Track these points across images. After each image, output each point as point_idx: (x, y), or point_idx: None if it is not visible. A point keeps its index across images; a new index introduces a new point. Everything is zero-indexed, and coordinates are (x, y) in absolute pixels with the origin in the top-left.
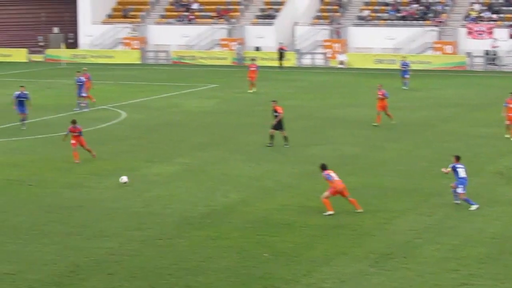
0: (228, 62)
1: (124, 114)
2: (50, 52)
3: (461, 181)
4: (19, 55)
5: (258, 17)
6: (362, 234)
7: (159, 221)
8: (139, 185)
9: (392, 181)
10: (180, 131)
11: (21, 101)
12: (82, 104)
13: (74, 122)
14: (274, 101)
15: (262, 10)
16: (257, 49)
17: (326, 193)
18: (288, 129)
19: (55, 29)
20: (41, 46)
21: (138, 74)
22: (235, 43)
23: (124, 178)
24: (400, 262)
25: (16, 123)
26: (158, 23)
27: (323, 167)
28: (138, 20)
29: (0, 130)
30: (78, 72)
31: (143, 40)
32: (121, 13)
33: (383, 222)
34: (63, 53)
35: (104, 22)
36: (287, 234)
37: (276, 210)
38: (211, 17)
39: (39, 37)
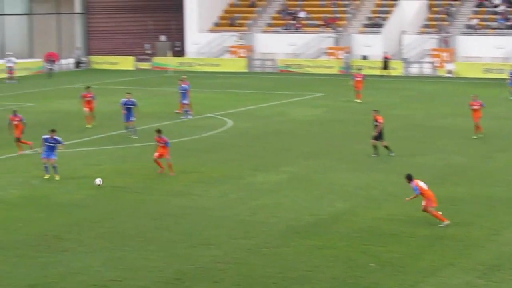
0: (335, 70)
1: (230, 122)
2: (157, 60)
3: None
4: (126, 63)
5: (365, 25)
6: (470, 245)
7: (265, 229)
8: (245, 194)
9: (501, 191)
10: (287, 140)
11: (128, 108)
12: (188, 112)
13: (159, 131)
14: (375, 110)
15: (369, 18)
16: (364, 57)
17: (430, 208)
18: (394, 138)
19: (162, 37)
20: (148, 54)
21: (244, 83)
22: (342, 51)
23: (97, 181)
24: (509, 274)
25: (123, 131)
26: (265, 32)
27: (409, 178)
28: (245, 28)
29: (107, 137)
30: (181, 80)
31: (249, 49)
32: (228, 21)
33: (492, 233)
34: (170, 61)
35: (211, 30)
36: (393, 244)
37: (383, 220)
38: (318, 26)
39: (146, 45)
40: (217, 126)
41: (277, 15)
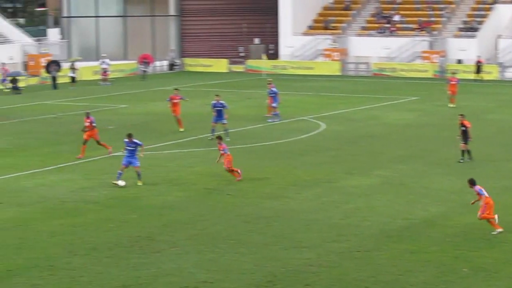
0: (429, 74)
1: (323, 126)
2: (251, 62)
3: None
4: (220, 65)
5: (461, 29)
6: None
7: (357, 233)
8: (338, 197)
9: None
10: (380, 144)
11: (218, 111)
12: (274, 114)
13: (219, 138)
14: (461, 115)
15: (465, 22)
16: (459, 62)
17: (485, 214)
18: (489, 143)
19: (256, 40)
20: (241, 57)
21: (338, 86)
22: (436, 55)
23: (120, 183)
24: None
25: (217, 133)
26: (359, 35)
27: (472, 182)
28: (339, 31)
29: (199, 139)
30: (268, 83)
31: (343, 52)
32: (322, 25)
33: None
34: (263, 64)
35: (305, 33)
36: (486, 249)
37: (476, 225)
38: (413, 29)
39: (240, 47)
40: (310, 129)
41: (372, 19)
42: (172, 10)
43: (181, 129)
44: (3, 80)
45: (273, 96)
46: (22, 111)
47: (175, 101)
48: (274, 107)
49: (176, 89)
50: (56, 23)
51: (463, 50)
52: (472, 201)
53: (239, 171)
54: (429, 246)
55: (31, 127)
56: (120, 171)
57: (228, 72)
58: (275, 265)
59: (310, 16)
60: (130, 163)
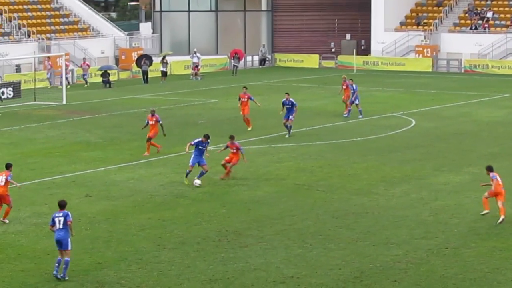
0: None
1: (413, 122)
2: (342, 58)
3: None
4: (311, 61)
5: None
6: None
7: (445, 230)
8: (427, 194)
9: None
10: (470, 141)
11: (288, 109)
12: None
13: (232, 138)
14: None
15: None
16: None
17: (487, 195)
18: None
19: (347, 36)
20: (332, 52)
21: (429, 82)
22: None
23: (197, 182)
24: None
25: (306, 129)
26: (451, 31)
27: (490, 169)
28: (431, 28)
29: (291, 135)
30: (350, 80)
31: (435, 48)
32: (414, 21)
33: None
34: (354, 60)
35: (396, 30)
36: None
37: None
38: (506, 26)
39: (331, 43)
40: (400, 126)
41: (464, 15)
42: (264, 5)
43: (249, 128)
44: (84, 75)
45: (353, 92)
46: (112, 105)
47: (244, 100)
48: (356, 104)
49: (244, 87)
50: (148, 18)
51: None
52: (483, 183)
53: (229, 171)
54: None
55: (122, 121)
56: (189, 171)
57: (318, 68)
58: (363, 261)
59: (402, 12)
60: (199, 162)
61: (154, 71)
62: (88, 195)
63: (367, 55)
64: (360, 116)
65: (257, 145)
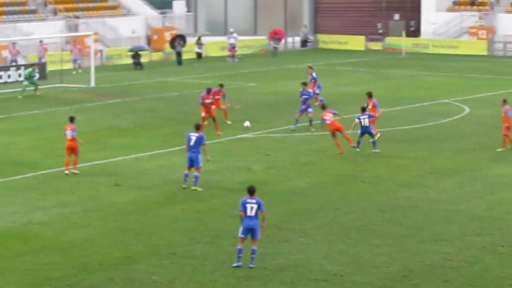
0: None
1: (467, 109)
2: (389, 40)
3: None
4: (356, 42)
5: None
6: None
7: (501, 226)
8: (481, 187)
9: None
10: None
11: (305, 99)
12: None
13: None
14: None
15: None
16: None
17: None
18: None
19: (396, 16)
20: (379, 34)
21: (484, 66)
22: None
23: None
24: None
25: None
26: (509, 12)
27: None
28: (487, 8)
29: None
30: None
31: (491, 30)
32: (468, 0)
33: None
34: (403, 42)
35: (449, 10)
36: None
37: None
38: None
39: (378, 24)
40: (452, 113)
41: None
42: None
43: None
44: (75, 60)
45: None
46: (144, 88)
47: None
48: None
49: (221, 85)
50: None
51: None
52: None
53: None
54: None
55: (154, 105)
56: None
57: (364, 50)
58: (411, 258)
59: None
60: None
61: (188, 53)
62: (117, 184)
63: (416, 36)
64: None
65: (298, 133)
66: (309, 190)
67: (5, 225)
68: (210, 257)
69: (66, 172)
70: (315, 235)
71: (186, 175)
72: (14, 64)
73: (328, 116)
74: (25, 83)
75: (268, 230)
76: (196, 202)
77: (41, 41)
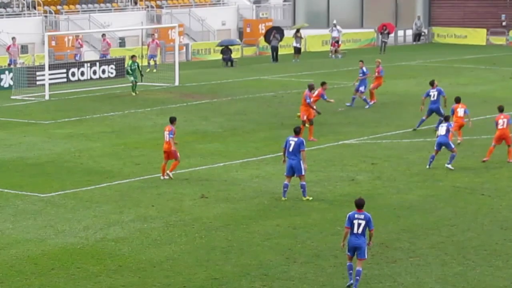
0: None
1: None
2: None
3: None
4: (476, 36)
5: None
6: None
7: None
8: None
9: None
10: None
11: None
12: None
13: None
14: None
15: None
16: None
17: None
18: None
19: None
20: (503, 26)
21: None
22: None
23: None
24: None
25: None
26: None
27: None
28: None
29: None
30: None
31: None
32: None
33: None
34: None
35: None
36: None
37: None
38: None
39: (502, 15)
40: None
41: None
42: None
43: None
44: (152, 57)
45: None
46: (235, 87)
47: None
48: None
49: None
50: None
51: None
52: None
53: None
54: None
55: (245, 107)
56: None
57: (486, 45)
58: None
59: None
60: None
61: (286, 47)
62: (204, 196)
63: None
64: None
65: (408, 139)
66: (421, 204)
67: (77, 241)
68: (307, 279)
69: (161, 177)
70: (427, 256)
71: (286, 186)
72: (104, 58)
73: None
74: (131, 79)
75: (374, 249)
76: (292, 217)
77: (103, 35)
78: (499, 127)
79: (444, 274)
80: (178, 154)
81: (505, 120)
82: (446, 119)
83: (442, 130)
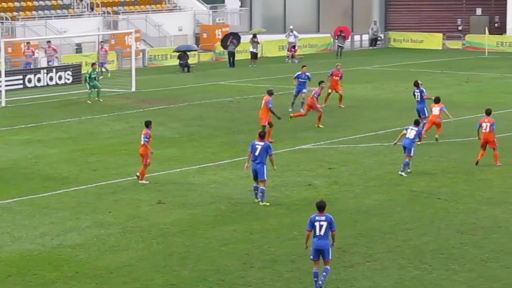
0: None
1: None
2: (470, 38)
3: None
4: (432, 41)
5: None
6: None
7: None
8: None
9: None
10: None
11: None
12: None
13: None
14: None
15: None
16: None
17: None
18: None
19: (478, 11)
20: (459, 31)
21: None
22: None
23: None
24: None
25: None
26: None
27: None
28: None
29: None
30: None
31: None
32: None
33: None
34: (486, 40)
35: None
36: None
37: None
38: None
39: (458, 19)
40: None
41: None
42: None
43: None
44: (102, 64)
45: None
46: (192, 93)
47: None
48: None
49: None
50: None
51: None
52: None
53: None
54: None
55: (202, 113)
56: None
57: (442, 50)
58: (494, 286)
59: None
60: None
61: (243, 53)
62: (160, 202)
63: (501, 34)
64: None
65: (365, 143)
66: (377, 208)
67: (34, 248)
68: (265, 285)
69: (140, 182)
70: (384, 260)
71: (256, 188)
72: (50, 65)
73: None
74: (93, 85)
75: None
76: (249, 222)
77: (48, 41)
78: (483, 130)
79: (401, 278)
80: (149, 160)
81: (489, 124)
82: (417, 123)
83: (411, 133)
